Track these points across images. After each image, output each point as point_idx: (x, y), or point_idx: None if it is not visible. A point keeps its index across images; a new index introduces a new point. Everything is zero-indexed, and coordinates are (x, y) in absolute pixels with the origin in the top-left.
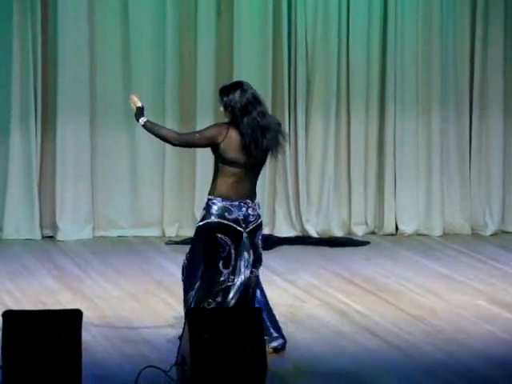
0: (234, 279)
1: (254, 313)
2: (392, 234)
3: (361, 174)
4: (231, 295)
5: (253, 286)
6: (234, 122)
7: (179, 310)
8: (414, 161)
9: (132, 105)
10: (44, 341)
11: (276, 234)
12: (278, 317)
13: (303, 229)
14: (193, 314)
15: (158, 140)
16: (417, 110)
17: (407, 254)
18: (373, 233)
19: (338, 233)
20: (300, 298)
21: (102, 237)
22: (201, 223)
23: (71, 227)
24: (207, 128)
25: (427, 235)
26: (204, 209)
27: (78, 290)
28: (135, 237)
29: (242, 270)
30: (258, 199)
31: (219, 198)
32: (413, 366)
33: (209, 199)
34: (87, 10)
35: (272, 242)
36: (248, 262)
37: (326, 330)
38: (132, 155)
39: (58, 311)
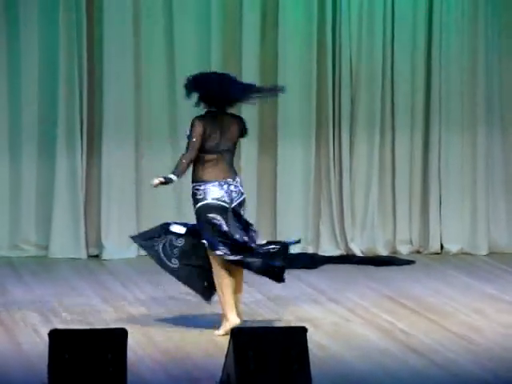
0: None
1: (299, 331)
2: (437, 253)
3: (405, 192)
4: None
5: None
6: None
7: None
8: (459, 179)
9: (158, 183)
10: (90, 360)
11: (321, 253)
12: (322, 336)
13: (348, 248)
14: (238, 332)
15: None
16: (462, 129)
17: (453, 273)
18: (418, 252)
19: (383, 252)
20: (345, 316)
21: (146, 256)
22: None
23: (116, 246)
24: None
25: (473, 254)
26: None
27: (123, 309)
28: None
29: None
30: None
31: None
32: (453, 382)
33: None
34: (132, 34)
35: (316, 261)
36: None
37: (369, 348)
38: None
39: (104, 330)
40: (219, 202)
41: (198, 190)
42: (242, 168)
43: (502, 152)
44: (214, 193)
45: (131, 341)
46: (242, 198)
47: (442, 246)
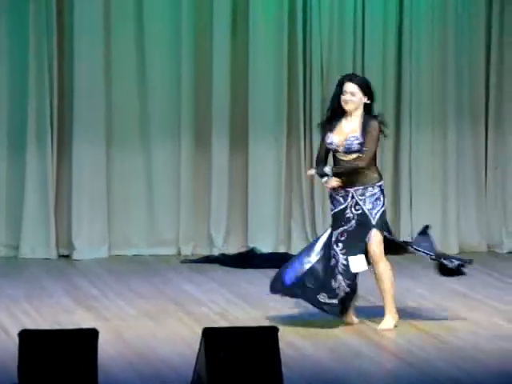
0: None
1: (270, 331)
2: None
3: None
4: None
5: None
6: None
7: (195, 328)
8: (430, 178)
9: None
10: (60, 360)
11: (292, 252)
12: (293, 335)
13: None
14: (209, 332)
15: (173, 160)
16: (432, 128)
17: (423, 272)
18: None
19: None
20: (316, 316)
21: (117, 256)
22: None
23: (87, 246)
24: None
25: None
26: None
27: (94, 309)
28: (151, 255)
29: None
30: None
31: None
32: (425, 382)
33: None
34: (103, 34)
35: (287, 261)
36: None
37: (341, 347)
38: (148, 174)
39: (75, 330)
40: None
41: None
42: (213, 166)
43: (472, 152)
44: None
45: (102, 341)
46: None
47: None
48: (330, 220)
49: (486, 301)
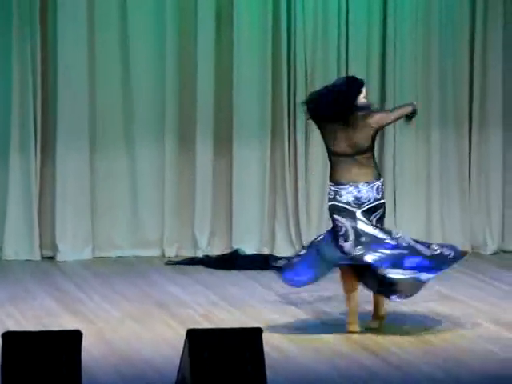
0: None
1: (254, 332)
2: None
3: None
4: None
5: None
6: None
7: (179, 329)
8: (414, 179)
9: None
10: (44, 362)
11: (276, 254)
12: (278, 337)
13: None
14: (193, 333)
15: (158, 162)
16: (416, 130)
17: None
18: None
19: None
20: (300, 317)
21: (101, 257)
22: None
23: (71, 248)
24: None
25: None
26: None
27: (77, 311)
28: (135, 257)
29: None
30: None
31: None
32: (408, 383)
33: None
34: (87, 34)
35: (271, 262)
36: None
37: (325, 349)
38: (132, 176)
39: (58, 332)
40: None
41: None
42: (197, 168)
43: (455, 153)
44: None
45: (86, 343)
46: None
47: None
48: (314, 221)
49: (470, 302)
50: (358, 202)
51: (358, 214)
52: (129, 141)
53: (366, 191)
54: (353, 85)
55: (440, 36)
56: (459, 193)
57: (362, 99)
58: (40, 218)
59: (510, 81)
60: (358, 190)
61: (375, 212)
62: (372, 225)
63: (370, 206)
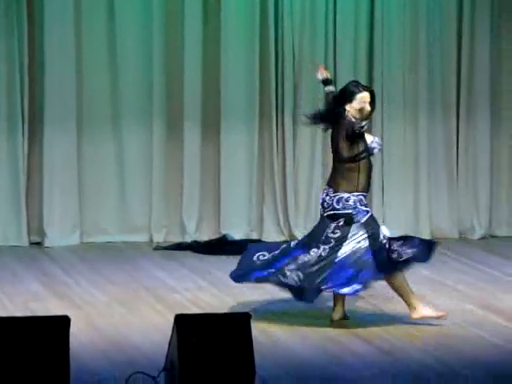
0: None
1: (242, 317)
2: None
3: None
4: None
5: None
6: None
7: (167, 315)
8: (401, 165)
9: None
10: (32, 347)
11: (264, 239)
12: (266, 322)
13: (291, 234)
14: (181, 319)
15: (145, 147)
16: (403, 114)
17: None
18: None
19: None
20: (288, 302)
21: (89, 243)
22: None
23: (59, 233)
24: None
25: None
26: None
27: (65, 297)
28: (123, 242)
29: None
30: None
31: None
32: (398, 369)
33: None
34: (73, 16)
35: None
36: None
37: (313, 334)
38: (120, 162)
39: (46, 317)
40: None
41: None
42: (185, 153)
43: (443, 138)
44: None
45: (74, 328)
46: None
47: None
48: (302, 206)
49: (458, 287)
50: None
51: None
52: (116, 126)
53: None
54: (340, 93)
55: (428, 20)
56: (447, 178)
57: (356, 105)
58: (27, 204)
59: (498, 65)
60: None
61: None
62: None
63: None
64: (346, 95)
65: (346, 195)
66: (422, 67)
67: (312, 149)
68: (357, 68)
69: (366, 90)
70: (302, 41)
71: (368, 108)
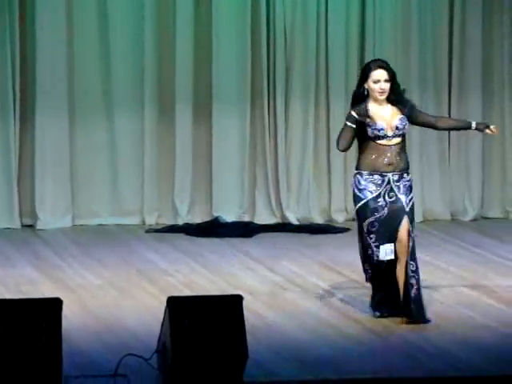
0: None
1: (235, 300)
2: None
3: (340, 160)
4: None
5: None
6: None
7: (160, 297)
8: None
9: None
10: (24, 329)
11: (256, 222)
12: (258, 304)
13: (283, 216)
14: (173, 301)
15: (137, 130)
16: None
17: None
18: (353, 219)
19: (319, 220)
20: (281, 285)
21: (81, 225)
22: None
23: (51, 216)
24: None
25: None
26: None
27: (58, 279)
28: (115, 225)
29: None
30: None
31: None
32: (389, 349)
33: None
34: (65, 6)
35: (252, 230)
36: None
37: (306, 316)
38: (112, 145)
39: (38, 300)
40: None
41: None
42: (177, 137)
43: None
44: None
45: (66, 310)
46: None
47: None
48: (294, 188)
49: (450, 269)
50: None
51: None
52: (108, 110)
53: None
54: (361, 72)
55: (419, 0)
56: (438, 160)
57: (371, 84)
58: (19, 187)
59: (489, 44)
60: None
61: None
62: None
63: None
64: (364, 74)
65: None
66: (414, 47)
67: (304, 132)
68: (348, 52)
69: (381, 68)
70: (293, 24)
71: (383, 86)
